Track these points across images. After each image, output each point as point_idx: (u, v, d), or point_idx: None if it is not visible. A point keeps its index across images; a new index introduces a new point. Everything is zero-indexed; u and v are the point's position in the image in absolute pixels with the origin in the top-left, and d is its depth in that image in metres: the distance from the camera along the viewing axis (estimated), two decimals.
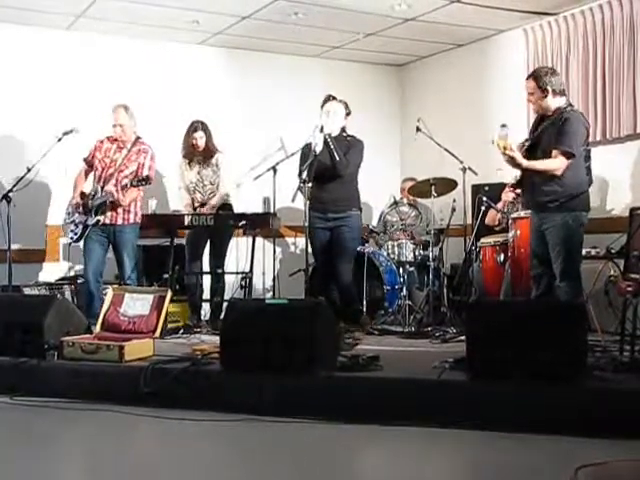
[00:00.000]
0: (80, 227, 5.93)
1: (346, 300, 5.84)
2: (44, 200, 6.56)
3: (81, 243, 6.01)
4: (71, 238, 6.04)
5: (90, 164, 6.09)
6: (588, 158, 4.86)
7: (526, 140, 4.95)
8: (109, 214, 5.91)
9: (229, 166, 6.51)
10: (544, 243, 4.82)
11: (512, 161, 4.73)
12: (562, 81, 4.97)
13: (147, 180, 5.79)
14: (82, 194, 6.03)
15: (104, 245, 6.00)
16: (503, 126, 4.72)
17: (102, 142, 6.07)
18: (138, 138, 6.06)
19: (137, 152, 6.00)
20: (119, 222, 5.95)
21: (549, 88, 4.76)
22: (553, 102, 4.80)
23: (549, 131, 4.78)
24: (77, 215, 5.98)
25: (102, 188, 5.91)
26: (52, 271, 6.84)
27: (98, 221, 5.89)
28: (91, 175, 6.12)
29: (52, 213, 6.83)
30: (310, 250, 5.83)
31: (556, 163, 4.69)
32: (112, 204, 5.88)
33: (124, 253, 5.95)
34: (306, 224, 5.59)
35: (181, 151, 6.51)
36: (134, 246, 6.07)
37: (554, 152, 4.69)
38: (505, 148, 4.64)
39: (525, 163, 4.73)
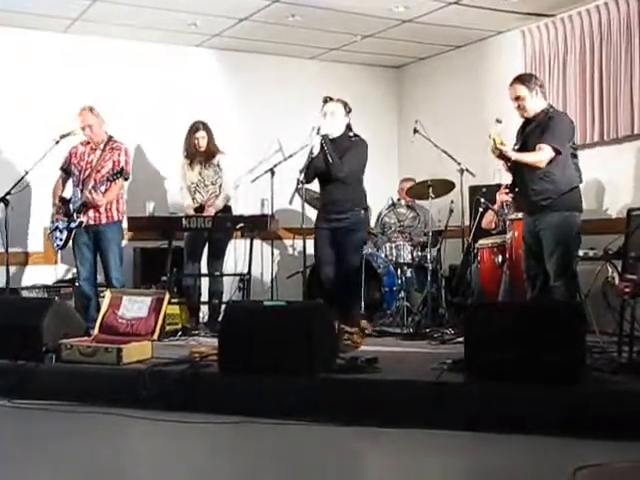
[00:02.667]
0: (65, 232, 5.93)
1: (345, 301, 5.77)
2: (42, 203, 6.54)
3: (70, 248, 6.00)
4: (57, 245, 6.03)
5: (67, 171, 6.11)
6: (575, 156, 4.88)
7: (515, 145, 4.98)
8: (92, 215, 5.91)
9: (230, 168, 6.52)
10: (539, 244, 4.83)
11: (502, 155, 4.77)
12: (544, 85, 5.03)
13: (121, 173, 5.79)
14: (62, 199, 6.04)
15: (92, 248, 6.00)
16: (498, 121, 4.76)
17: (76, 147, 6.08)
18: (110, 137, 6.06)
19: (111, 151, 6.00)
20: (102, 221, 5.95)
21: (537, 89, 4.83)
22: (540, 104, 4.86)
23: (536, 132, 4.81)
24: (60, 222, 5.98)
25: (81, 191, 5.91)
26: (50, 274, 6.83)
27: (81, 222, 5.88)
28: (70, 182, 6.12)
29: (50, 216, 6.82)
30: (310, 252, 5.81)
31: (542, 154, 4.71)
32: (91, 205, 5.87)
33: (109, 252, 5.94)
34: (304, 226, 5.58)
35: (183, 152, 6.51)
36: (119, 245, 6.06)
37: (538, 146, 4.73)
38: (501, 143, 4.69)
39: (514, 156, 4.78)
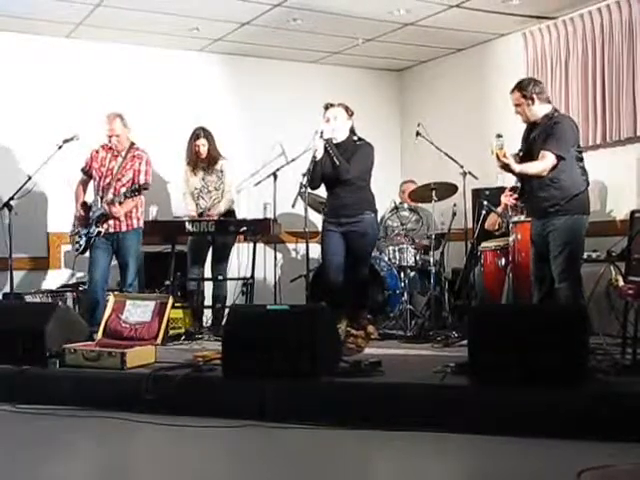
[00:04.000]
0: (84, 238, 5.94)
1: (359, 301, 5.77)
2: (45, 208, 6.56)
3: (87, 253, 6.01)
4: (76, 250, 6.04)
5: (88, 174, 6.10)
6: (581, 159, 4.88)
7: (520, 150, 4.99)
8: (112, 222, 5.91)
9: (232, 172, 6.53)
10: (547, 246, 4.84)
11: (506, 167, 4.78)
12: (546, 89, 5.05)
13: (140, 189, 5.79)
14: (84, 204, 6.04)
15: (109, 253, 5.99)
16: (499, 136, 4.78)
17: (97, 151, 6.06)
18: (132, 144, 6.05)
19: (132, 159, 5.99)
20: (122, 229, 5.95)
21: (534, 96, 4.84)
22: (540, 109, 4.87)
23: (541, 137, 4.81)
24: (80, 227, 6.00)
25: (101, 199, 5.92)
26: (54, 278, 6.85)
27: (99, 232, 5.89)
28: (91, 184, 6.12)
29: (53, 221, 6.84)
30: (312, 255, 5.80)
31: (544, 163, 4.72)
32: (110, 217, 5.88)
33: (128, 258, 5.94)
34: (307, 230, 5.59)
35: (185, 158, 6.52)
36: (138, 251, 6.06)
37: (541, 153, 4.74)
38: (504, 156, 4.70)
39: (518, 168, 4.79)
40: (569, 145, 4.78)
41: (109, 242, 5.96)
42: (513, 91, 4.95)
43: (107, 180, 5.95)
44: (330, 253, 5.71)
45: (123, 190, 5.88)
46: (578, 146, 4.93)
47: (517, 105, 4.91)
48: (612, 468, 2.67)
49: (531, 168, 4.78)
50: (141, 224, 6.05)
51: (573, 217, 4.77)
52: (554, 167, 4.72)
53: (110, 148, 6.02)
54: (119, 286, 6.03)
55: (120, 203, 5.84)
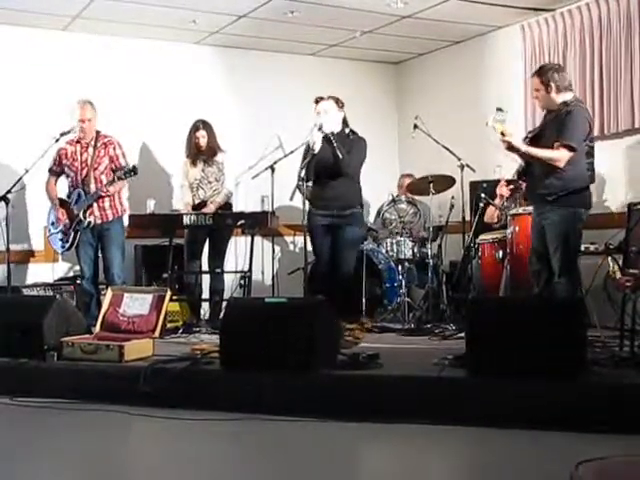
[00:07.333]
0: (71, 234, 5.92)
1: (345, 297, 5.81)
2: (42, 201, 6.54)
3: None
4: (62, 247, 6.01)
5: (57, 173, 6.08)
6: (591, 155, 4.84)
7: (529, 132, 4.95)
8: (98, 214, 5.90)
9: (231, 165, 6.52)
10: (543, 239, 4.82)
11: (510, 146, 4.72)
12: (568, 77, 4.93)
13: (134, 171, 5.77)
14: (62, 201, 6.02)
15: (95, 245, 5.99)
16: (499, 110, 4.71)
17: (64, 148, 6.02)
18: (98, 132, 6.03)
19: (104, 146, 5.97)
20: (106, 218, 5.94)
21: (552, 84, 4.76)
22: (557, 98, 4.79)
23: (552, 125, 4.77)
24: (62, 224, 5.98)
25: (84, 191, 5.90)
26: (51, 272, 6.83)
27: (90, 223, 5.88)
28: (61, 182, 6.10)
29: (48, 219, 6.82)
30: (310, 248, 5.82)
31: (557, 154, 4.65)
32: (98, 200, 5.86)
33: (113, 247, 5.93)
34: (304, 223, 5.59)
35: (185, 150, 6.50)
36: (123, 240, 6.06)
37: (556, 144, 4.68)
38: (503, 134, 4.64)
39: (524, 148, 4.73)
40: (581, 137, 4.70)
41: (93, 234, 5.95)
42: (533, 75, 4.89)
43: (84, 172, 5.93)
44: (319, 248, 5.77)
45: (103, 177, 5.88)
46: (590, 140, 4.87)
47: (535, 90, 4.83)
48: (610, 460, 2.67)
49: (540, 152, 4.70)
50: (124, 210, 6.05)
51: (569, 210, 4.72)
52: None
53: (77, 142, 5.99)
54: (107, 279, 6.00)
55: (111, 184, 5.84)
